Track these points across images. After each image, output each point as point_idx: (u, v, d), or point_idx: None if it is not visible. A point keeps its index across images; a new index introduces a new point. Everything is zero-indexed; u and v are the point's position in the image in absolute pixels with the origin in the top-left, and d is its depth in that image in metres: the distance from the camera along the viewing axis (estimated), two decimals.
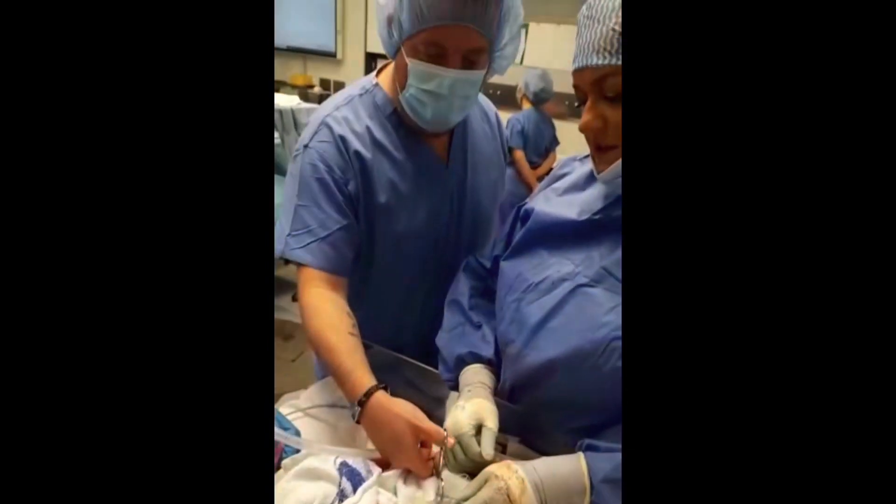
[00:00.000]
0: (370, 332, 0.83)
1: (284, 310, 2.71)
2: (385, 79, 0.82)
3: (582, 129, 0.58)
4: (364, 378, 0.66)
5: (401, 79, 0.74)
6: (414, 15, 0.67)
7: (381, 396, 0.64)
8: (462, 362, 0.72)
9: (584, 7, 0.56)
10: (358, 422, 0.65)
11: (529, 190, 2.87)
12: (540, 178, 2.93)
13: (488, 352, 0.72)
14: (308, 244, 0.75)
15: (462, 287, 0.80)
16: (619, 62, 0.52)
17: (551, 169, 3.16)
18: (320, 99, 4.57)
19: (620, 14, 0.51)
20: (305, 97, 4.51)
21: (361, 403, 0.64)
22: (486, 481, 0.55)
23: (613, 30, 0.52)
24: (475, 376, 0.70)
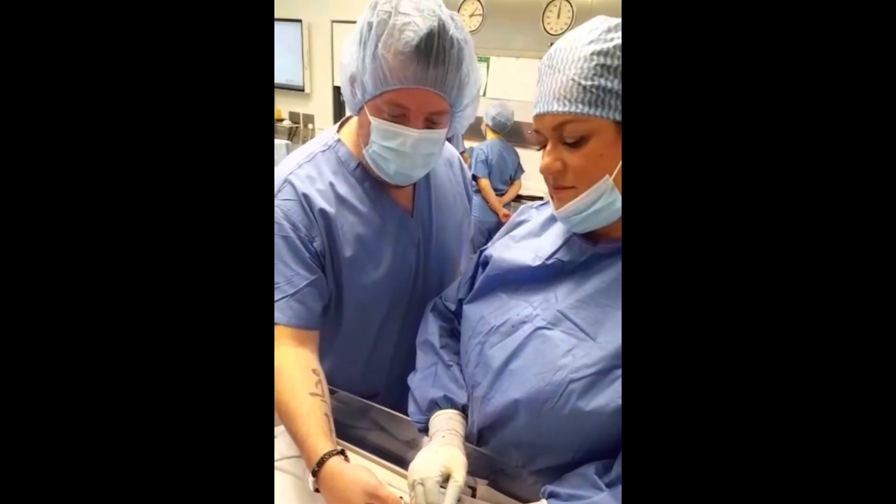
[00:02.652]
0: (342, 376, 0.83)
1: None
2: (348, 134, 0.83)
3: (542, 171, 0.61)
4: (318, 444, 0.63)
5: (364, 135, 0.75)
6: (377, 78, 0.68)
7: (335, 463, 0.62)
8: (435, 405, 0.72)
9: (545, 57, 0.59)
10: (316, 490, 0.63)
11: (497, 216, 2.92)
12: (506, 205, 2.99)
13: (462, 398, 0.71)
14: (276, 301, 0.74)
15: (431, 327, 0.80)
16: (578, 110, 0.55)
17: (518, 196, 3.23)
18: (289, 133, 4.58)
19: (580, 65, 0.54)
20: (275, 131, 4.52)
21: (315, 473, 0.62)
22: None
23: (573, 80, 0.55)
24: (448, 423, 0.69)
